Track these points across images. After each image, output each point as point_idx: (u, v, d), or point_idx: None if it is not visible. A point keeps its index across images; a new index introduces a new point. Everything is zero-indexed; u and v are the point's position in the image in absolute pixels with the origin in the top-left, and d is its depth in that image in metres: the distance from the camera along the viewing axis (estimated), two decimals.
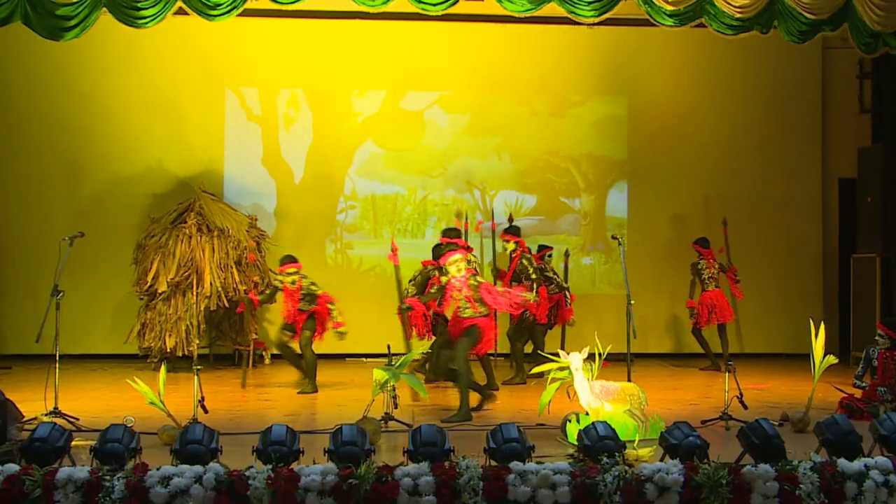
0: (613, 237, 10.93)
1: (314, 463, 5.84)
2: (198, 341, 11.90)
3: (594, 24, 11.01)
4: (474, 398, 9.08)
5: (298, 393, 10.64)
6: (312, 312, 11.02)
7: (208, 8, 9.87)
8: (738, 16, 10.30)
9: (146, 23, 9.84)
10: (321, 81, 14.17)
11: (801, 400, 9.21)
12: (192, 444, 6.02)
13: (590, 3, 10.23)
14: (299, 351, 10.93)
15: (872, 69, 13.96)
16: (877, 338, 9.36)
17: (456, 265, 9.04)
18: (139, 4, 9.71)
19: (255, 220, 13.29)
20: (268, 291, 11.71)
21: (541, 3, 10.21)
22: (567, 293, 11.94)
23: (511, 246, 11.46)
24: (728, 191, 14.31)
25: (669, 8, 10.27)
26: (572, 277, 13.06)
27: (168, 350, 11.88)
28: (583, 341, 8.05)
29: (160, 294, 12.09)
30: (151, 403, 7.53)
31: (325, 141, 14.21)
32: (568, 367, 7.65)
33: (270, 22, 13.34)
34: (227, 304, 12.25)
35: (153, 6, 9.70)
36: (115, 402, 9.51)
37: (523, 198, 14.47)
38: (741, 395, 8.46)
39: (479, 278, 9.11)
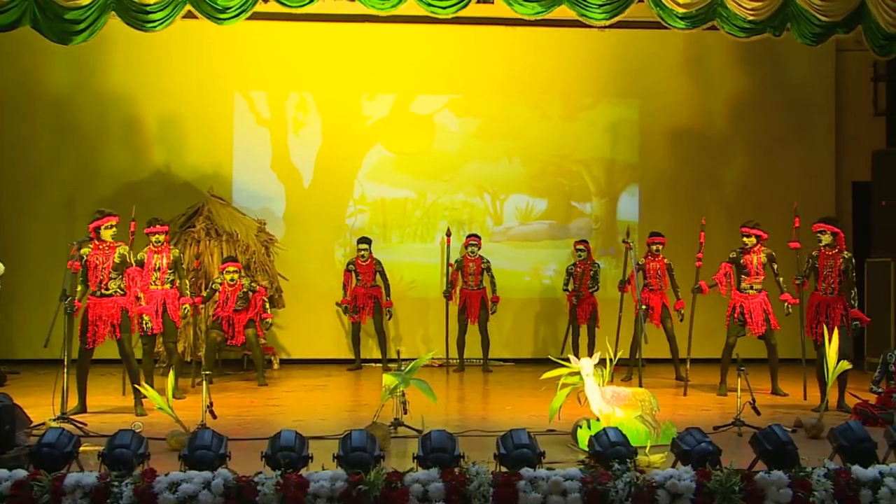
0: (624, 241, 10.90)
1: (323, 469, 5.81)
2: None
3: (605, 27, 10.97)
4: None
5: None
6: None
7: (217, 11, 9.88)
8: (750, 18, 10.27)
9: (155, 26, 9.87)
10: (330, 85, 14.14)
11: (814, 406, 9.14)
12: (201, 449, 6.01)
13: (601, 5, 10.23)
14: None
15: (887, 71, 13.88)
16: None
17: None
18: (148, 8, 9.74)
19: (264, 224, 13.28)
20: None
21: (551, 6, 10.21)
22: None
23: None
24: (740, 195, 14.24)
25: (681, 10, 10.25)
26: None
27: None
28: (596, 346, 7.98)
29: None
30: (160, 409, 7.51)
31: (335, 145, 14.18)
32: (579, 373, 7.62)
33: (279, 25, 13.32)
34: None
35: (162, 10, 9.73)
36: (123, 408, 9.48)
37: (534, 202, 14.42)
38: (754, 400, 8.40)
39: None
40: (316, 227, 13.99)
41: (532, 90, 14.30)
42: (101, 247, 9.21)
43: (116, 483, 5.62)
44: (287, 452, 5.94)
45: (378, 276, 12.88)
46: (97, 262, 9.18)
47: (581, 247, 12.87)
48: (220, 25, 10.12)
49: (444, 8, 10.20)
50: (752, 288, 10.63)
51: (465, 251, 12.91)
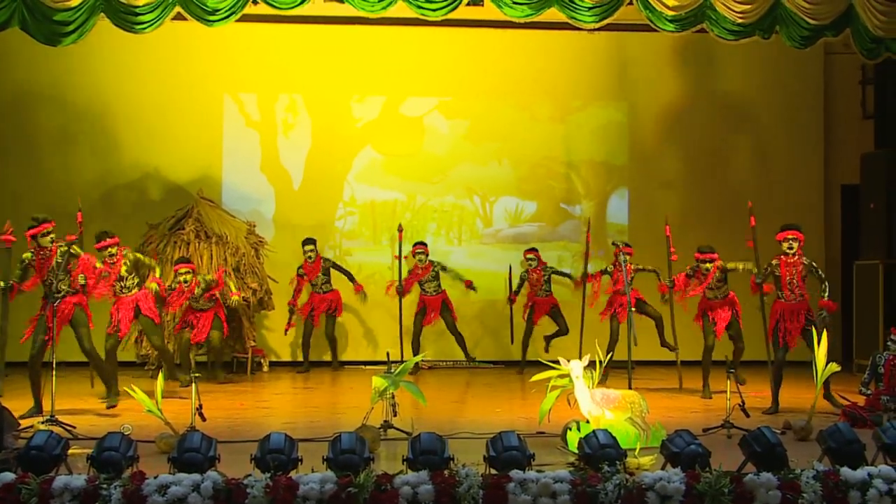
0: (614, 244, 10.92)
1: (313, 471, 5.80)
2: (196, 349, 11.87)
3: (595, 30, 10.97)
4: None
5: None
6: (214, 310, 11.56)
7: (207, 13, 9.87)
8: (739, 21, 10.30)
9: (144, 28, 9.85)
10: (320, 87, 14.14)
11: (803, 408, 9.16)
12: (190, 452, 6.00)
13: (590, 8, 10.25)
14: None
15: (875, 74, 13.93)
16: (888, 343, 9.34)
17: None
18: (137, 10, 9.71)
19: (254, 226, 13.25)
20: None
21: (541, 9, 10.23)
22: None
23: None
24: (729, 198, 14.24)
25: (670, 13, 10.27)
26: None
27: None
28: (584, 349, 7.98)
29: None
30: (149, 411, 7.49)
31: (324, 147, 14.18)
32: (568, 375, 7.62)
33: (269, 27, 13.31)
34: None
35: (151, 11, 9.71)
36: (112, 410, 9.45)
37: (523, 204, 14.44)
38: (743, 402, 8.41)
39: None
40: (306, 229, 13.94)
41: (521, 92, 14.32)
42: (41, 253, 9.18)
43: (105, 486, 5.60)
44: (276, 455, 5.93)
45: (331, 273, 12.95)
46: (41, 267, 9.16)
47: (531, 255, 12.96)
48: (210, 27, 10.10)
49: (434, 10, 10.21)
50: (716, 298, 10.74)
51: (414, 259, 12.89)
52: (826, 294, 9.62)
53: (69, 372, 9.55)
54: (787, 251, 9.70)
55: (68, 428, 8.10)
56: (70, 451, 6.30)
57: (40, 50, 10.44)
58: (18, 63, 13.31)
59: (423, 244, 13.00)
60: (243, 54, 13.84)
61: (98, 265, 9.66)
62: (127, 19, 9.77)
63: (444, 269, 12.93)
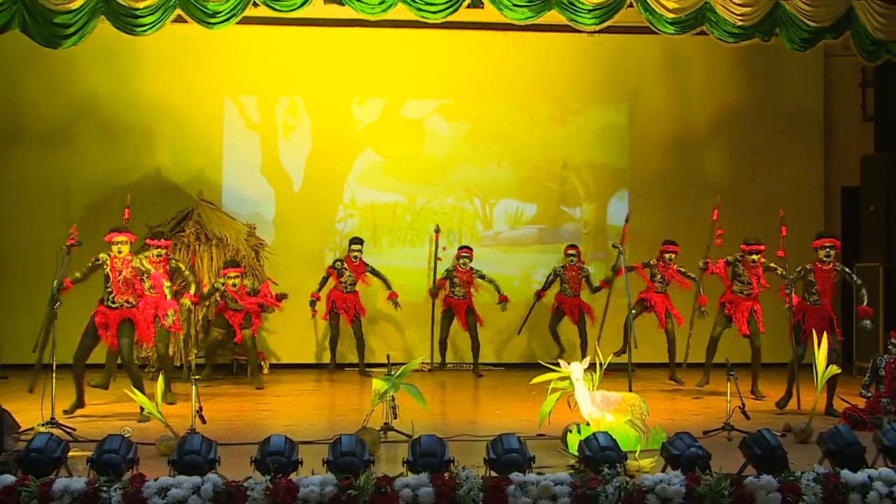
0: (614, 246, 10.92)
1: (313, 473, 5.81)
2: (196, 351, 11.87)
3: (595, 32, 10.99)
4: None
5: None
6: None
7: (207, 16, 9.88)
8: (739, 23, 10.33)
9: (145, 31, 9.87)
10: (320, 89, 14.13)
11: (803, 410, 9.16)
12: (190, 454, 6.01)
13: (590, 10, 10.27)
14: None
15: (875, 77, 13.93)
16: (889, 346, 9.34)
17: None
18: (137, 12, 9.73)
19: (254, 228, 13.24)
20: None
21: (541, 11, 10.25)
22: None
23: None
24: (729, 200, 14.15)
25: (671, 15, 10.28)
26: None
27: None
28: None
29: None
30: (149, 413, 7.49)
31: (325, 149, 14.16)
32: (569, 378, 7.62)
33: (269, 30, 13.32)
34: None
35: (152, 14, 9.72)
36: (112, 413, 9.45)
37: (524, 206, 14.42)
38: (743, 405, 8.42)
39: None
40: (306, 231, 13.97)
41: (521, 94, 14.31)
42: (114, 261, 9.31)
43: (105, 488, 5.61)
44: (277, 457, 5.94)
45: (369, 277, 12.86)
46: (111, 275, 9.32)
47: (572, 251, 12.97)
48: (210, 30, 10.12)
49: (434, 12, 10.23)
50: (742, 293, 10.77)
51: (457, 262, 12.91)
52: (865, 300, 9.77)
53: (69, 374, 9.52)
54: (825, 259, 9.83)
55: (68, 430, 8.12)
56: (70, 454, 6.32)
57: (38, 52, 10.43)
58: (14, 64, 13.27)
59: (469, 248, 13.07)
60: (243, 57, 13.82)
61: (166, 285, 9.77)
62: (127, 22, 9.79)
63: (482, 276, 12.95)
